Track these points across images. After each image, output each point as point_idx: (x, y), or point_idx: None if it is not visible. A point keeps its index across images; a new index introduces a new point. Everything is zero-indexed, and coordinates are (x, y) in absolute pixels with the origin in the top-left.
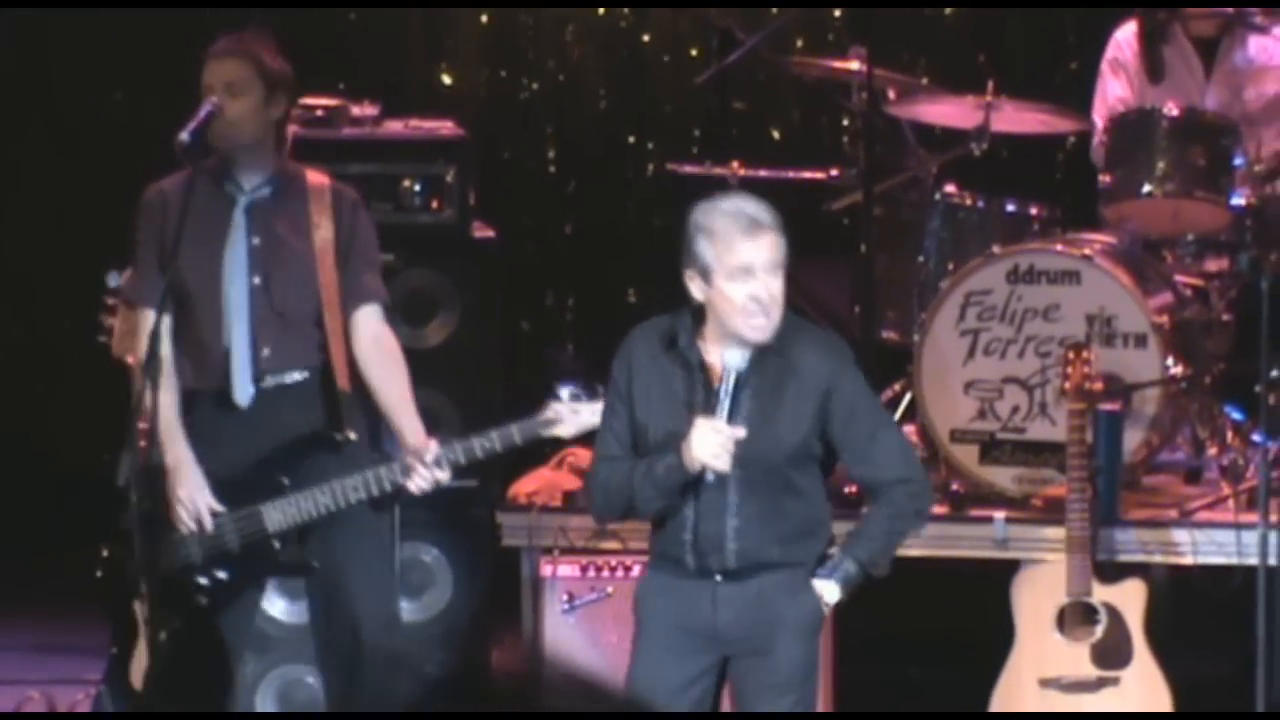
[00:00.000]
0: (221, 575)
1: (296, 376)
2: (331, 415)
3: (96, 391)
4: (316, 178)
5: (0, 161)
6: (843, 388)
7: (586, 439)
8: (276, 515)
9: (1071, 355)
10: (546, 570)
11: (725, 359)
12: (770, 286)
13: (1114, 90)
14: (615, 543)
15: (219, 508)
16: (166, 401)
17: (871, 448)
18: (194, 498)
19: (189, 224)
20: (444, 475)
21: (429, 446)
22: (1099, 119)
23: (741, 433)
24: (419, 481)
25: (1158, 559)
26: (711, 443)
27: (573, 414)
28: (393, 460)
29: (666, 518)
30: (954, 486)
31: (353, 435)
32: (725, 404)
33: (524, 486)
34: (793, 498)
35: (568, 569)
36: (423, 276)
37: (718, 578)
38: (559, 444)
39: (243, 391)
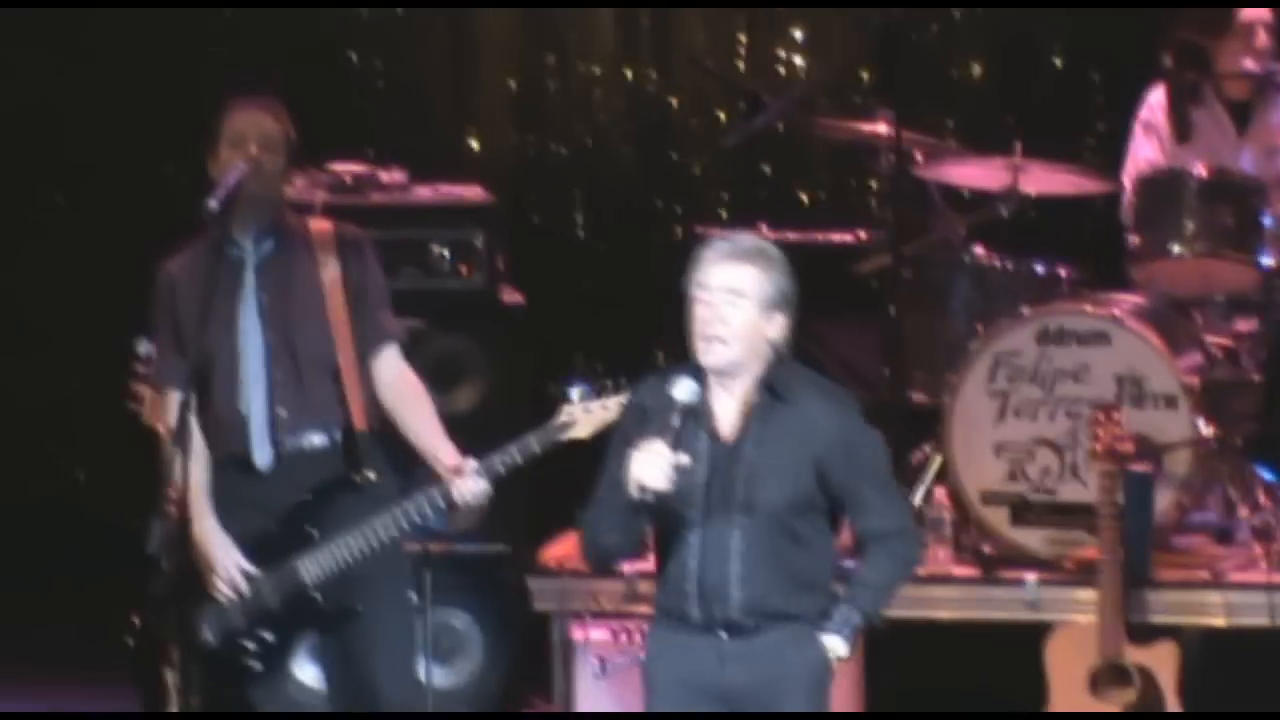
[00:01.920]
0: (268, 636)
1: (315, 440)
2: (351, 458)
3: (127, 456)
4: (318, 224)
5: (28, 222)
6: (847, 439)
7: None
8: (313, 568)
9: (1101, 417)
10: (578, 635)
11: (674, 389)
12: (721, 311)
13: (1144, 151)
14: (647, 606)
15: (253, 570)
16: (195, 474)
17: (876, 498)
18: (226, 565)
19: (201, 297)
20: (486, 484)
21: (468, 462)
22: (1128, 180)
23: (685, 459)
24: (465, 492)
25: (1190, 620)
26: (648, 464)
27: (585, 414)
28: (422, 493)
29: (669, 570)
30: (985, 548)
31: (373, 475)
32: (674, 431)
33: (554, 551)
34: (797, 547)
35: (599, 633)
36: (451, 341)
37: (723, 634)
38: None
39: (262, 455)
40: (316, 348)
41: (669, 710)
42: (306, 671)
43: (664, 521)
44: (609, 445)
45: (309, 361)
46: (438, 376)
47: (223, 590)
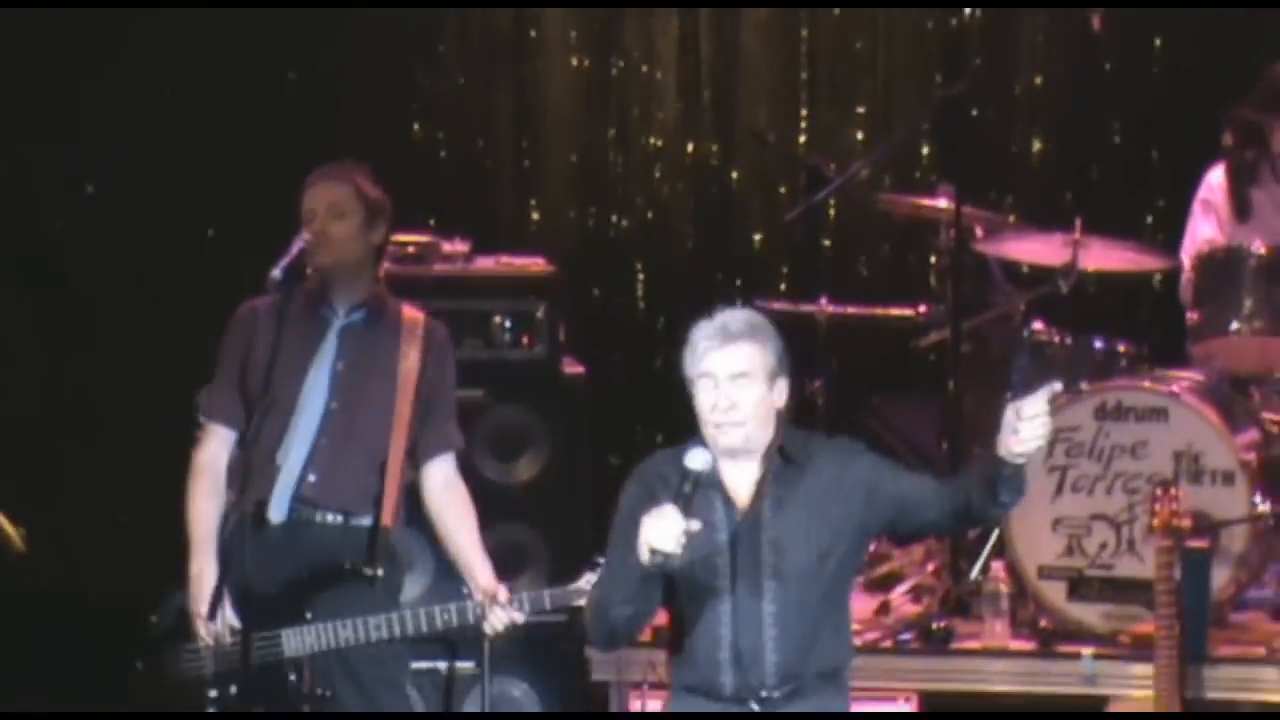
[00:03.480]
0: (231, 692)
1: (330, 519)
2: (368, 550)
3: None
4: (411, 312)
5: (93, 287)
6: (866, 472)
7: None
8: (295, 642)
9: (1159, 492)
10: (635, 705)
11: (687, 458)
12: (731, 394)
13: (1203, 230)
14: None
15: (237, 625)
16: (206, 512)
17: (923, 484)
18: (219, 619)
19: (284, 345)
20: (519, 616)
21: (501, 588)
22: (1187, 258)
23: (696, 526)
24: (496, 622)
25: (1246, 697)
26: (659, 528)
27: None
28: (459, 601)
29: (696, 644)
30: (1042, 623)
31: (378, 573)
32: (685, 497)
33: None
34: (830, 607)
35: (657, 704)
36: (512, 413)
37: (754, 706)
38: None
39: (278, 510)
40: (372, 432)
41: None
42: None
43: (689, 597)
44: (613, 528)
45: (359, 442)
46: (498, 447)
47: (204, 636)
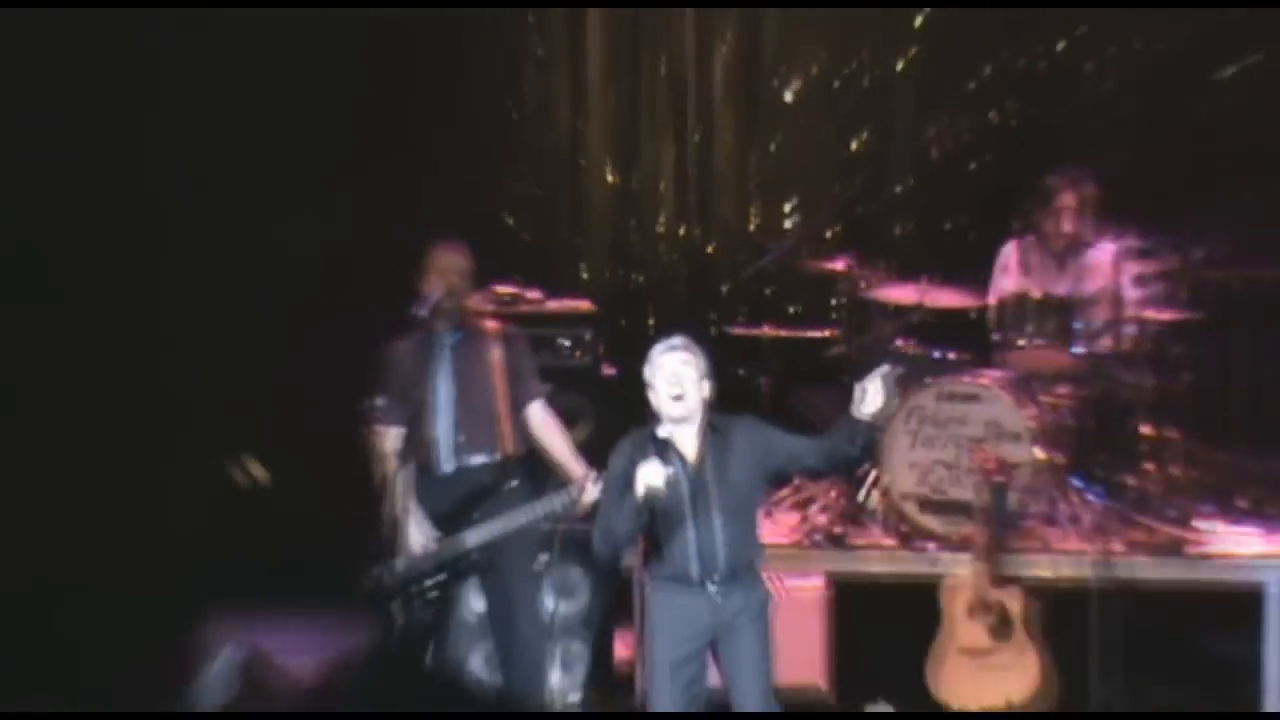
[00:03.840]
0: (442, 578)
1: (480, 459)
2: (502, 472)
3: (367, 469)
4: (490, 324)
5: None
6: (761, 435)
7: None
8: (474, 537)
9: (976, 447)
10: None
11: (658, 430)
12: (680, 377)
13: (1002, 283)
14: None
15: (435, 537)
16: (400, 478)
17: (801, 442)
18: (419, 535)
19: (418, 366)
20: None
21: (590, 474)
22: (992, 300)
23: (671, 471)
24: (588, 497)
25: (1029, 572)
26: (652, 474)
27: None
28: (561, 490)
29: (670, 550)
30: (903, 529)
31: (514, 483)
32: (661, 455)
33: None
34: (750, 522)
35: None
36: (570, 399)
37: (711, 586)
38: None
39: (447, 465)
40: (485, 400)
41: (670, 646)
42: (476, 602)
43: (664, 521)
44: (605, 483)
45: (480, 408)
46: (562, 421)
47: (417, 550)
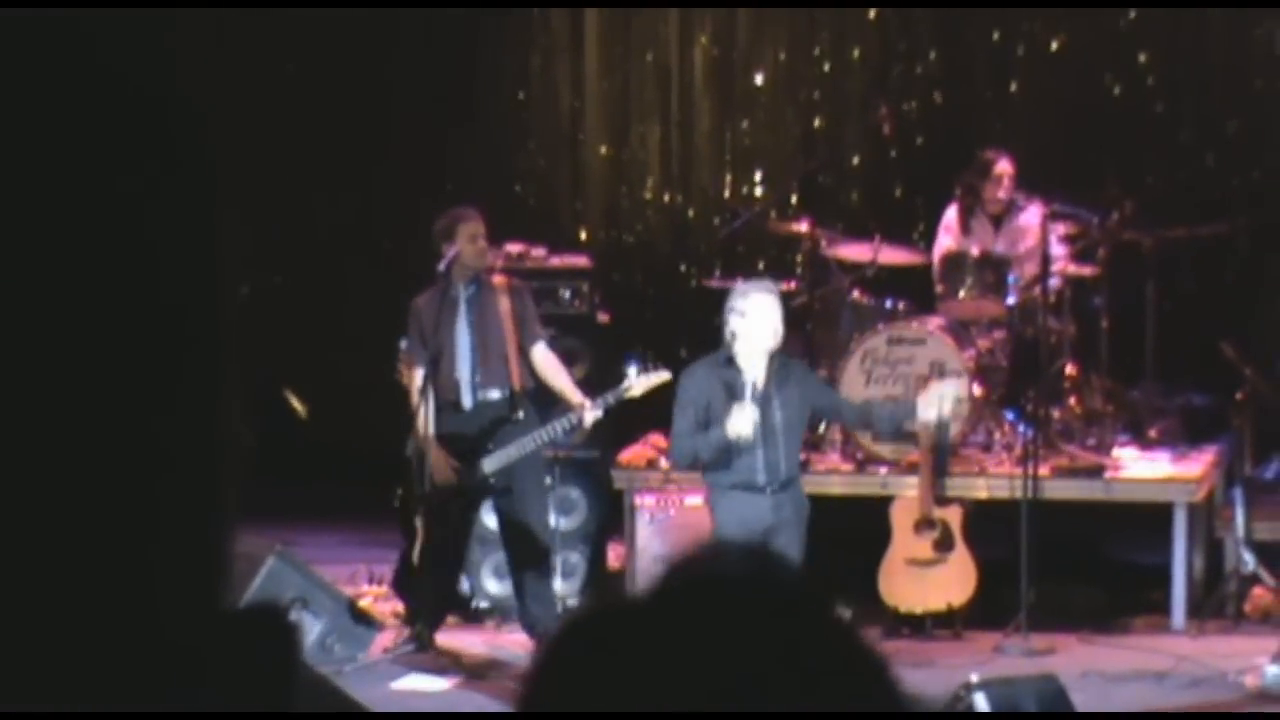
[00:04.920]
0: (464, 497)
1: (494, 394)
2: (512, 404)
3: (395, 404)
4: (499, 278)
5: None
6: (811, 382)
7: (650, 410)
8: (490, 463)
9: (922, 383)
10: (639, 500)
11: (747, 372)
12: (772, 320)
13: (944, 241)
14: (674, 486)
15: (455, 464)
16: (425, 412)
17: (838, 403)
18: (442, 461)
19: (440, 317)
20: (600, 412)
21: (586, 403)
22: (936, 257)
23: (756, 414)
24: (587, 417)
25: (968, 494)
26: (743, 420)
27: (637, 381)
28: (563, 417)
29: (740, 463)
30: (859, 455)
31: (523, 415)
32: (750, 397)
33: (624, 456)
34: (796, 443)
35: (649, 499)
36: (570, 342)
37: (769, 490)
38: (645, 414)
39: (468, 400)
40: (498, 343)
41: (735, 534)
42: (490, 519)
43: (735, 440)
44: (682, 404)
45: (494, 351)
46: (563, 360)
47: (441, 474)
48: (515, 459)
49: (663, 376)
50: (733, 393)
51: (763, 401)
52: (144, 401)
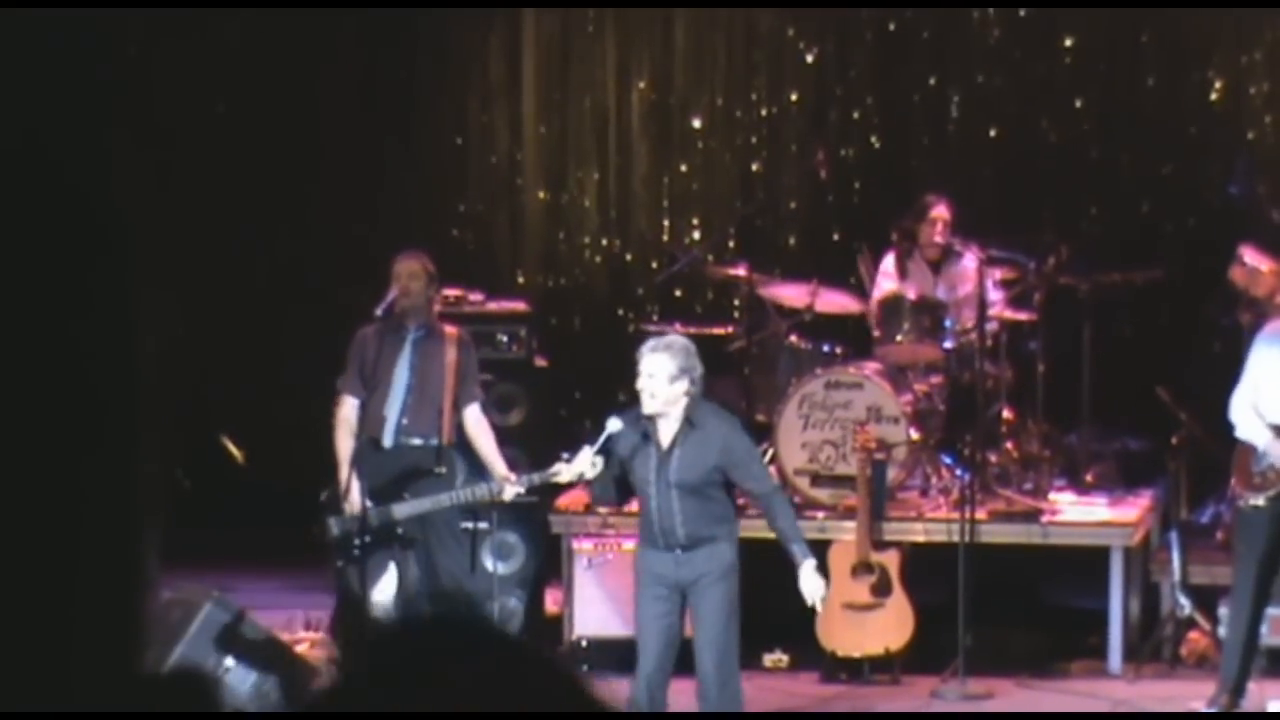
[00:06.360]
0: (367, 540)
1: (416, 440)
2: (438, 459)
3: (333, 448)
4: (450, 329)
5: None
6: (729, 442)
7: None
8: (402, 509)
9: (859, 429)
10: (576, 545)
11: (609, 423)
12: (648, 384)
13: (882, 286)
14: (612, 531)
15: (368, 504)
16: (346, 448)
17: (754, 470)
18: (355, 499)
19: (382, 351)
20: (521, 489)
21: (511, 476)
22: (874, 301)
23: (599, 461)
24: (508, 494)
25: (905, 538)
26: (579, 461)
27: (568, 469)
28: (487, 483)
29: (645, 518)
30: (796, 500)
31: (444, 469)
32: (601, 446)
33: (562, 500)
34: (709, 502)
35: (587, 544)
36: (507, 387)
37: (677, 551)
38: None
39: (388, 439)
40: (435, 392)
41: (649, 596)
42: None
43: (640, 495)
44: (608, 454)
45: (428, 400)
46: (500, 406)
47: (351, 511)
48: (428, 511)
49: (595, 470)
50: (647, 444)
51: (661, 460)
52: (60, 460)
